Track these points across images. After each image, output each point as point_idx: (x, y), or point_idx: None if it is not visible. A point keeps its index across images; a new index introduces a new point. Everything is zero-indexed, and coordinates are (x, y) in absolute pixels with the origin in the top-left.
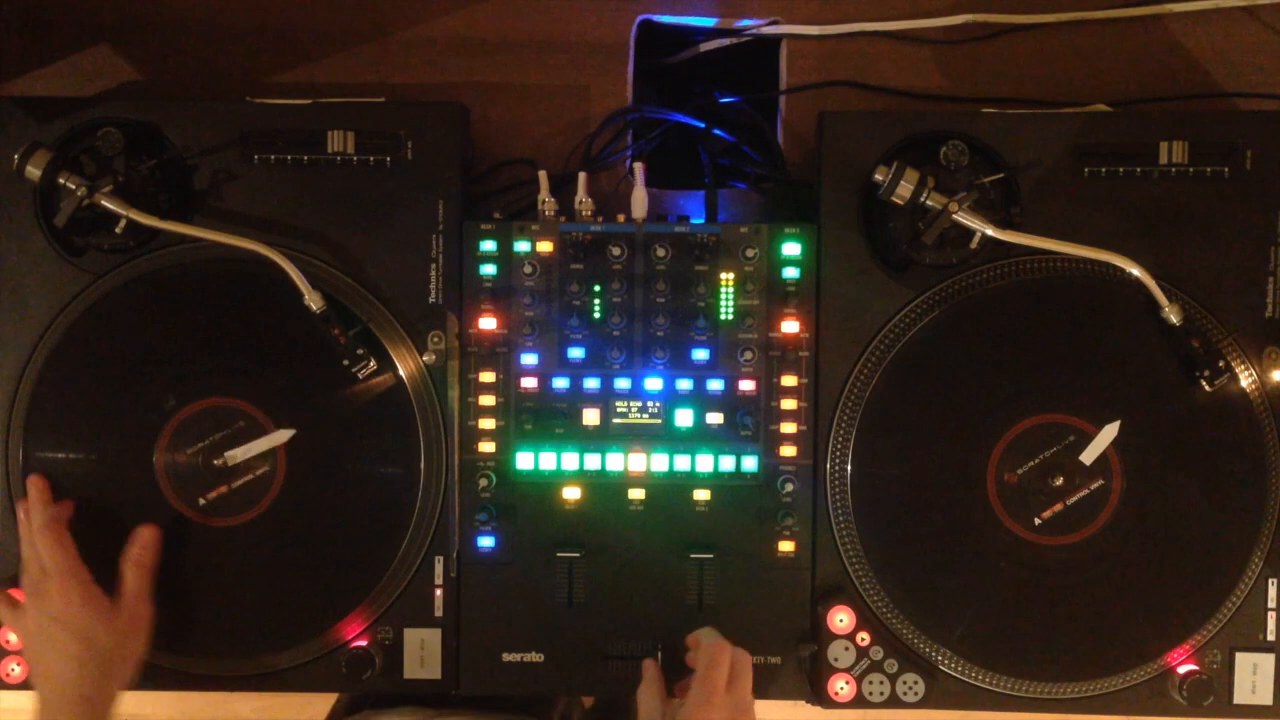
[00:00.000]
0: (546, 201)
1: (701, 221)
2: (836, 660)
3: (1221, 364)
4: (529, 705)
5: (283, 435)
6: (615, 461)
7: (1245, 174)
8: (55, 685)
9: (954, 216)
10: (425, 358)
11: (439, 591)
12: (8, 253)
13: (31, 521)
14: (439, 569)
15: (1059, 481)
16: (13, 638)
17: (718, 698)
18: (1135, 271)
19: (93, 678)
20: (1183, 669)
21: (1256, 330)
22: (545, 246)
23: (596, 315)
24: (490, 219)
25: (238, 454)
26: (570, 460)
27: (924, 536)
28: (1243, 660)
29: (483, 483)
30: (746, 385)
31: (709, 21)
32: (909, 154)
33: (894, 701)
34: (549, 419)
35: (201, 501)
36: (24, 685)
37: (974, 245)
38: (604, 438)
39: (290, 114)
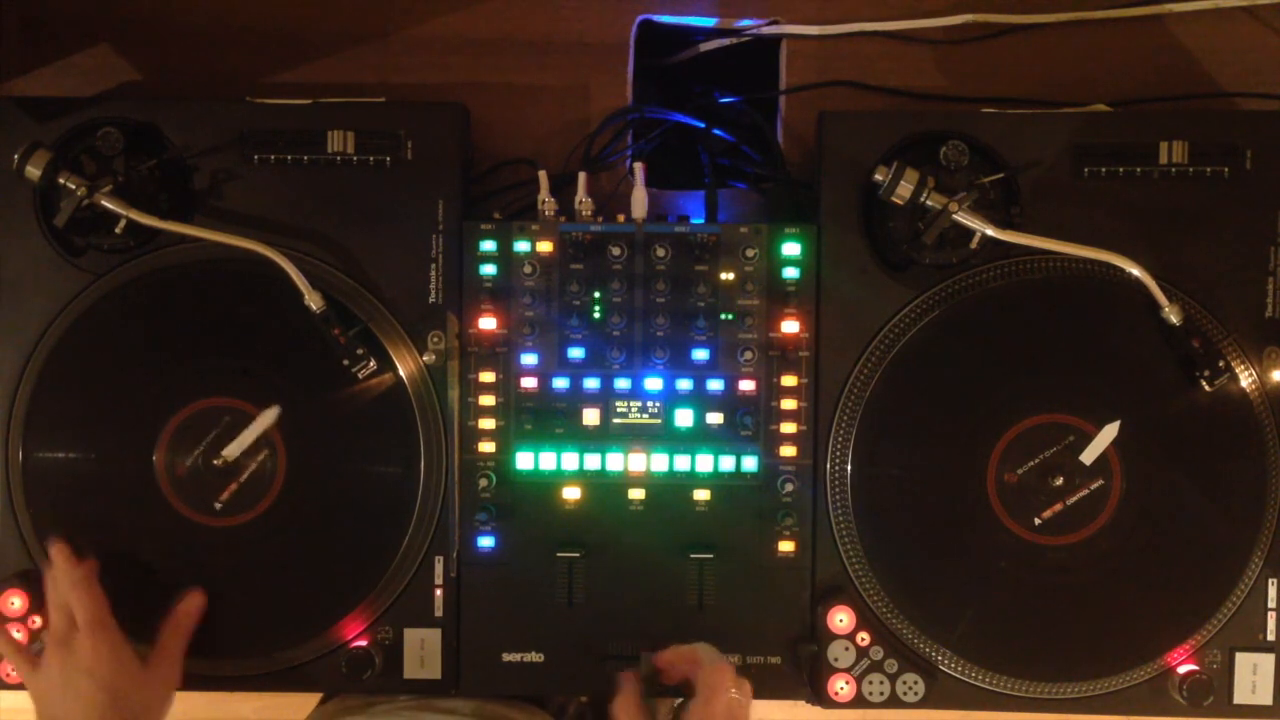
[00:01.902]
0: (546, 201)
1: (701, 221)
2: (836, 660)
3: (1221, 364)
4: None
5: (270, 415)
6: (615, 461)
7: (1245, 174)
8: None
9: (954, 216)
10: (425, 358)
11: (439, 591)
12: (8, 253)
13: (60, 580)
14: (439, 569)
15: (1059, 481)
16: (14, 636)
17: None
18: (1135, 271)
19: None
20: (1183, 669)
21: (1256, 330)
22: (545, 246)
23: (596, 315)
24: (490, 219)
25: (233, 448)
26: (570, 460)
27: (924, 537)
28: (1243, 660)
29: (483, 483)
30: (746, 385)
31: (709, 21)
32: (909, 154)
33: (894, 701)
34: (549, 419)
35: (218, 505)
36: (24, 686)
37: (974, 245)
38: (604, 438)
39: (290, 114)
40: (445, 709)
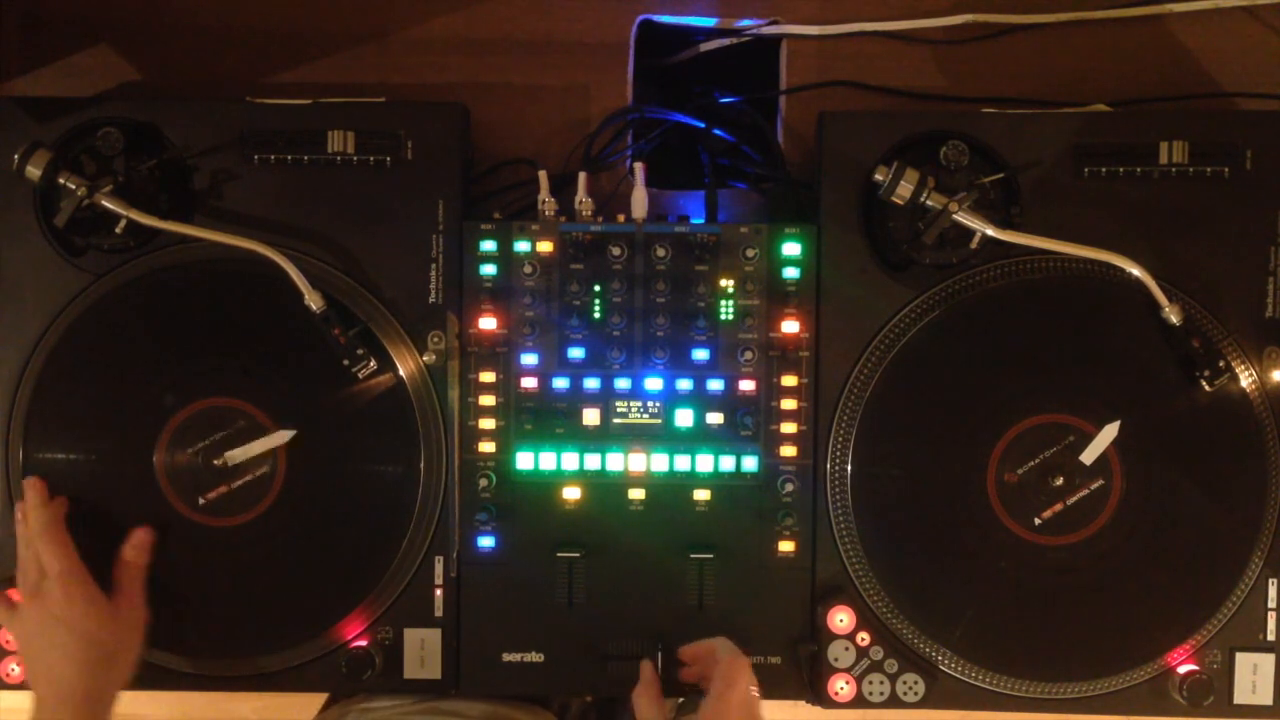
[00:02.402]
0: (546, 201)
1: (701, 221)
2: (836, 660)
3: (1221, 364)
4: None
5: (283, 436)
6: (615, 461)
7: (1245, 174)
8: (55, 685)
9: (954, 216)
10: (425, 358)
11: (439, 591)
12: (8, 253)
13: (30, 524)
14: (439, 569)
15: (1059, 481)
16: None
17: (732, 717)
18: (1135, 271)
19: (94, 677)
20: (1183, 669)
21: (1256, 330)
22: (545, 246)
23: (596, 315)
24: (490, 219)
25: (237, 454)
26: (570, 460)
27: (924, 536)
28: (1243, 660)
29: (483, 483)
30: (746, 385)
31: (709, 21)
32: (909, 154)
33: (894, 701)
34: (549, 419)
35: (201, 501)
36: (24, 685)
37: (974, 245)
38: (604, 438)
39: (290, 114)
40: (450, 711)
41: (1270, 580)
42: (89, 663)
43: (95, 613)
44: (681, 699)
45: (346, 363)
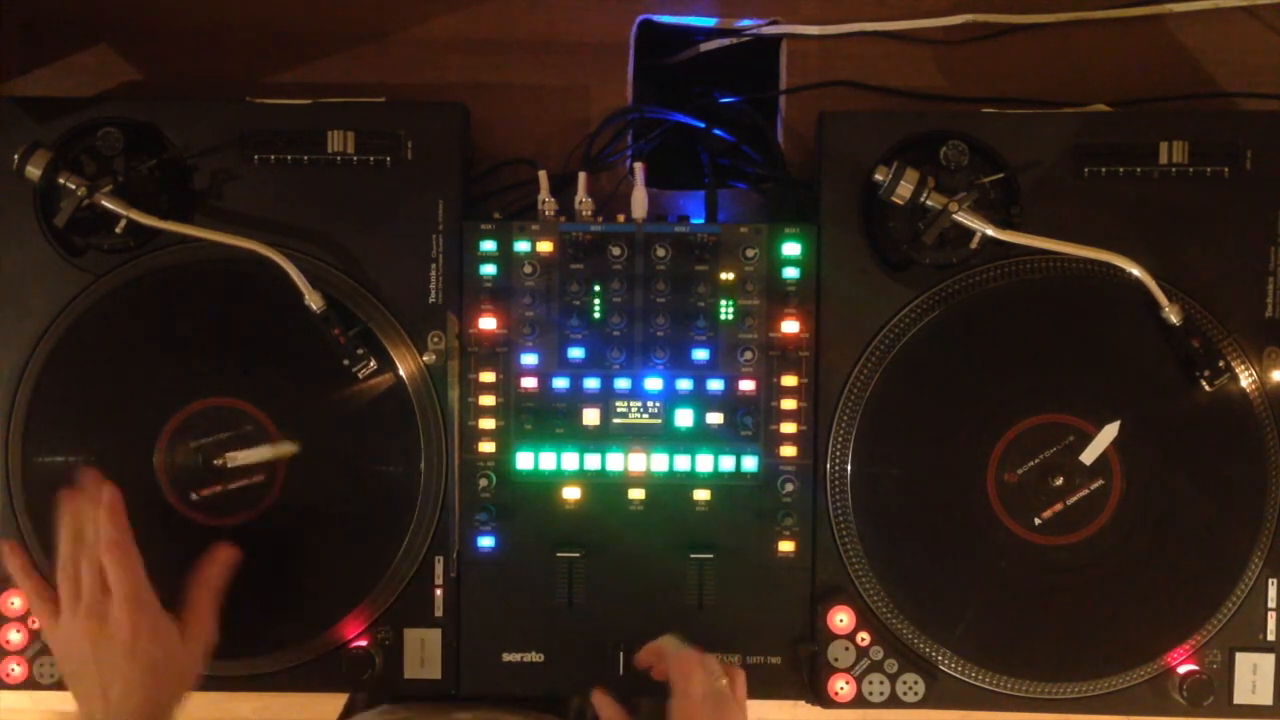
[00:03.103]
0: (546, 201)
1: (701, 221)
2: (836, 660)
3: (1221, 364)
4: (548, 704)
5: (287, 449)
6: (615, 461)
7: (1245, 174)
8: (115, 711)
9: (954, 216)
10: (425, 358)
11: (439, 591)
12: (8, 253)
13: (100, 534)
14: (439, 569)
15: (1059, 481)
16: (14, 636)
17: (700, 715)
18: (1135, 271)
19: (156, 703)
20: (1183, 669)
21: (1256, 330)
22: (545, 246)
23: (596, 315)
24: (490, 219)
25: (239, 457)
26: (570, 460)
27: (924, 536)
28: (1243, 660)
29: (483, 483)
30: (746, 385)
31: (709, 21)
32: (909, 154)
33: (894, 701)
34: (549, 419)
35: (194, 497)
36: (24, 685)
37: (974, 245)
38: (604, 438)
39: (290, 114)
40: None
41: (1270, 580)
42: (154, 691)
43: (163, 643)
44: None
45: (346, 363)
